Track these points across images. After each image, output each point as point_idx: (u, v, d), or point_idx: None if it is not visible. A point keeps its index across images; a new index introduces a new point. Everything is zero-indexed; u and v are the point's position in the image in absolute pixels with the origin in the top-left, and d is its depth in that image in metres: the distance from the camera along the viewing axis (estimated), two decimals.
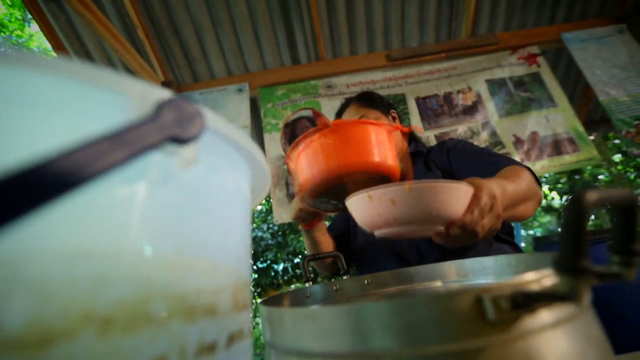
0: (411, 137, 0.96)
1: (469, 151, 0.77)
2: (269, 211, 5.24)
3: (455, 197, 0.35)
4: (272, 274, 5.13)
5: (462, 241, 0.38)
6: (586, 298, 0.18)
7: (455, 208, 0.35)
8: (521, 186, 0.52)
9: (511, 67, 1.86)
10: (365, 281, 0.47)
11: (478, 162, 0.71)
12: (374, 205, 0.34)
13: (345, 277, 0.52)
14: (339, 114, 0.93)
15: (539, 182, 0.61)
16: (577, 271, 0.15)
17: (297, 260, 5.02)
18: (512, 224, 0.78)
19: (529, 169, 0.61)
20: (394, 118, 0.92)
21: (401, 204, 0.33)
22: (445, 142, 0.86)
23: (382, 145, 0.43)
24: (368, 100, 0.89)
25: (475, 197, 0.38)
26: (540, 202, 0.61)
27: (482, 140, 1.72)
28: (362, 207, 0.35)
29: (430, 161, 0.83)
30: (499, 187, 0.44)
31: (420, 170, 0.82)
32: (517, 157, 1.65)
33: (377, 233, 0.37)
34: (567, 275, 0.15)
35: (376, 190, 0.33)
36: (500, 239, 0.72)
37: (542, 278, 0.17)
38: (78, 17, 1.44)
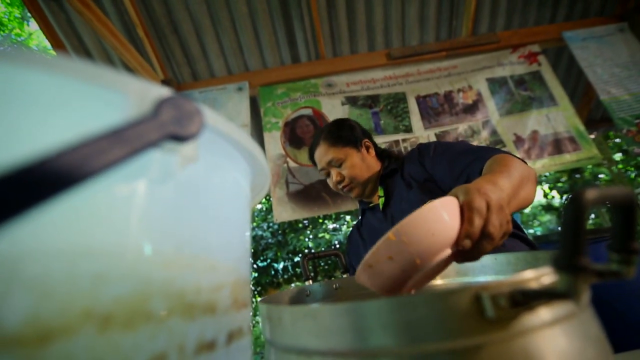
0: (385, 155, 0.95)
1: (443, 154, 0.73)
2: (269, 210, 5.25)
3: (440, 214, 0.32)
4: (272, 272, 5.15)
5: (483, 249, 0.35)
6: (585, 296, 0.18)
7: (448, 225, 0.33)
8: (513, 173, 0.49)
9: (512, 66, 1.86)
10: None
11: (456, 167, 0.67)
12: (378, 272, 0.32)
13: (345, 276, 0.52)
14: (311, 153, 0.94)
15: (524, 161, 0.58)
16: (576, 269, 0.15)
17: (297, 259, 5.03)
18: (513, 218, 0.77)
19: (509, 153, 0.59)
20: (367, 147, 0.92)
21: (397, 254, 0.31)
22: (414, 151, 0.84)
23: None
24: (335, 137, 0.89)
25: (467, 203, 0.35)
26: (537, 180, 0.57)
27: (482, 139, 1.72)
28: (371, 279, 0.33)
29: (407, 176, 0.81)
30: (487, 183, 0.42)
31: (402, 189, 0.80)
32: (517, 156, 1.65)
33: (407, 286, 0.34)
34: (566, 273, 0.15)
35: (369, 257, 0.32)
36: (513, 235, 0.69)
37: (541, 276, 0.17)
38: (77, 15, 1.44)
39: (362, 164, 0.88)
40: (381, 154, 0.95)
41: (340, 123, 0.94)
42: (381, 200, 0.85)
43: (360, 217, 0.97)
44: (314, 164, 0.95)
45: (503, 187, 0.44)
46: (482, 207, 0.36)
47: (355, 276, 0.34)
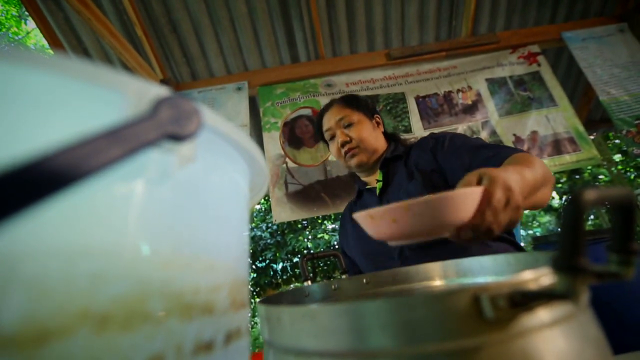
0: (392, 138, 0.92)
1: (460, 147, 0.71)
2: (268, 210, 5.24)
3: (461, 204, 0.33)
4: (271, 273, 5.15)
5: (478, 239, 0.36)
6: (584, 297, 0.18)
7: (461, 214, 0.34)
8: (537, 171, 0.48)
9: (511, 66, 1.86)
10: (364, 280, 0.47)
11: (473, 161, 0.65)
12: (377, 224, 0.34)
13: (344, 276, 0.52)
14: (320, 116, 0.90)
15: None
16: (574, 270, 0.15)
17: (296, 259, 5.03)
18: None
19: None
20: (377, 123, 0.90)
21: (402, 222, 0.33)
22: (426, 140, 0.81)
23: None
24: (352, 101, 0.87)
25: (487, 193, 0.35)
26: (554, 187, 0.58)
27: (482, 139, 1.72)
28: (366, 225, 0.36)
29: (411, 165, 0.78)
30: (515, 175, 0.41)
31: (402, 178, 0.78)
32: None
33: (389, 243, 0.38)
34: (564, 274, 0.15)
35: (377, 210, 0.34)
36: (500, 238, 0.69)
37: (540, 277, 0.16)
38: (75, 14, 1.43)
39: (372, 132, 0.85)
40: (389, 136, 0.92)
41: (354, 94, 0.93)
42: (378, 185, 0.82)
43: (355, 197, 0.94)
44: (320, 132, 0.89)
45: (527, 180, 0.43)
46: (500, 205, 0.35)
47: (356, 214, 0.36)
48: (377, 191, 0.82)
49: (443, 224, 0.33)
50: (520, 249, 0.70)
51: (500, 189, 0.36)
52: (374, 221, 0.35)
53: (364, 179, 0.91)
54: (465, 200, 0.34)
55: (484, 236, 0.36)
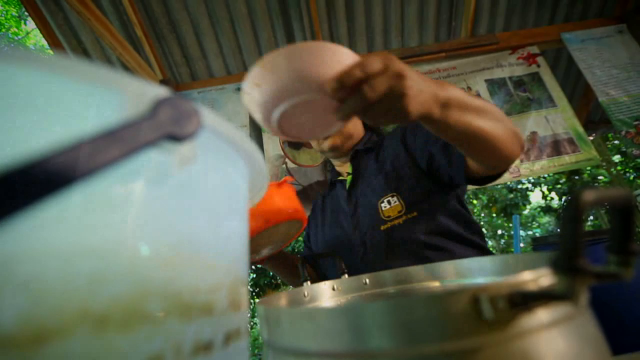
0: (370, 128, 0.87)
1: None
2: None
3: (316, 55, 0.32)
4: (271, 273, 5.14)
5: (351, 107, 0.34)
6: (583, 298, 0.18)
7: (321, 67, 0.33)
8: (476, 100, 0.44)
9: (511, 67, 1.86)
10: (364, 281, 0.47)
11: (431, 135, 0.61)
12: (254, 96, 0.35)
13: (345, 276, 0.52)
14: None
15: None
16: (574, 270, 0.15)
17: None
18: (480, 226, 0.70)
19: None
20: None
21: (265, 83, 0.33)
22: (398, 128, 0.77)
23: None
24: None
25: (360, 59, 0.33)
26: (517, 139, 0.50)
27: None
28: (251, 107, 0.36)
29: (382, 158, 0.74)
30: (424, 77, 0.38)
31: (372, 174, 0.74)
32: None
33: (273, 118, 0.37)
34: (564, 275, 0.15)
35: (244, 84, 0.35)
36: (468, 243, 0.65)
37: (540, 277, 0.16)
38: (75, 14, 1.43)
39: (357, 122, 0.80)
40: (367, 126, 0.86)
41: None
42: (349, 179, 0.79)
43: (328, 189, 0.90)
44: None
45: (446, 87, 0.40)
46: (372, 65, 0.33)
47: (245, 101, 0.36)
48: (347, 185, 0.79)
49: (303, 78, 0.32)
50: (488, 254, 0.67)
51: (377, 55, 0.34)
52: (249, 97, 0.35)
53: (338, 168, 0.87)
54: (319, 51, 0.33)
55: (355, 100, 0.33)
